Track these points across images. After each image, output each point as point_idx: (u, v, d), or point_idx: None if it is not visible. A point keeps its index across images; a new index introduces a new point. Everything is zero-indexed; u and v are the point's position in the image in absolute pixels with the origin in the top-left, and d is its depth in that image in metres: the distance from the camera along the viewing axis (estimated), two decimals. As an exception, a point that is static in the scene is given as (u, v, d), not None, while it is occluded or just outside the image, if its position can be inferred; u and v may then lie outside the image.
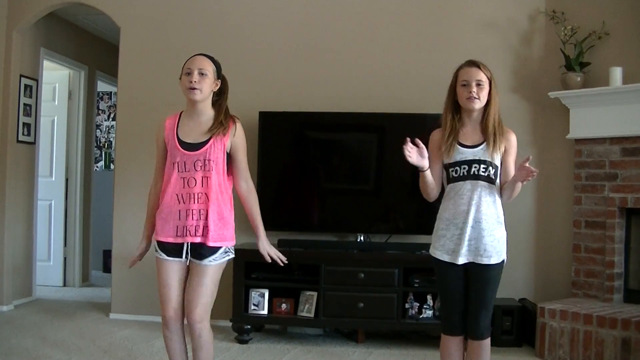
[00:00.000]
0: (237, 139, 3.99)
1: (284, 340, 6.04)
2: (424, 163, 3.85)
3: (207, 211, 3.89)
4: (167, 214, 3.94)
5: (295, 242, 6.07)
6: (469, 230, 3.79)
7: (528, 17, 6.27)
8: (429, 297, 5.81)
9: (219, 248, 3.94)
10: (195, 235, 3.90)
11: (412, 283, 5.79)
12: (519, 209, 6.08)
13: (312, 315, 5.88)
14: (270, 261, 4.12)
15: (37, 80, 7.54)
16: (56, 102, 8.57)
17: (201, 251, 3.91)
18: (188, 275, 4.00)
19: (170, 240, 3.93)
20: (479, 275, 3.82)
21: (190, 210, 3.90)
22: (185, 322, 4.00)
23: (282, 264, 4.16)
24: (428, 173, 3.88)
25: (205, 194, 3.90)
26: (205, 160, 3.90)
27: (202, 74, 3.90)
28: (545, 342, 5.45)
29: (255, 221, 4.08)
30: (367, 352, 5.73)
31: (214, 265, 3.94)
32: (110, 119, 10.67)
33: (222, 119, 3.99)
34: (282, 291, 6.00)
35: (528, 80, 6.28)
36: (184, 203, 3.91)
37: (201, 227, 3.90)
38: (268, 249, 4.11)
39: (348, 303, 5.81)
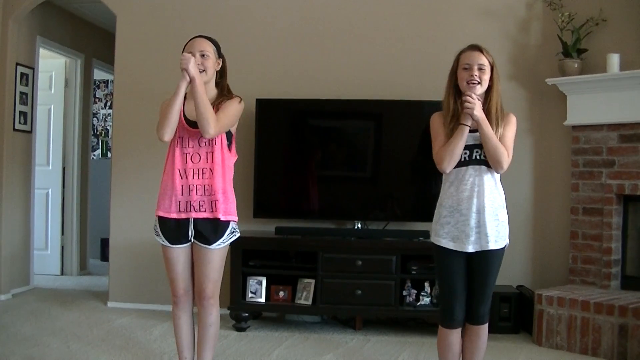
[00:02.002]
0: (230, 102, 4.01)
1: (282, 328, 6.04)
2: (482, 116, 3.75)
3: (212, 186, 3.95)
4: (170, 190, 3.99)
5: (292, 230, 6.07)
6: (475, 216, 3.79)
7: (525, 4, 6.26)
8: (426, 284, 5.82)
9: (225, 229, 4.00)
10: (200, 210, 3.96)
11: (409, 270, 5.79)
12: (517, 195, 6.08)
13: (309, 302, 5.88)
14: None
15: (33, 69, 7.52)
16: (52, 91, 8.55)
17: (207, 234, 3.97)
18: (193, 253, 4.07)
19: (174, 216, 3.98)
20: (483, 261, 3.82)
21: (194, 186, 3.95)
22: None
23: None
24: (467, 130, 3.78)
25: (210, 169, 3.95)
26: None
27: (204, 56, 3.95)
28: (542, 329, 5.46)
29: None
30: (365, 339, 5.73)
31: (221, 249, 4.03)
32: (107, 107, 10.65)
33: (226, 93, 4.06)
34: (280, 279, 6.00)
35: (525, 67, 6.27)
36: (187, 178, 3.97)
37: (207, 202, 3.96)
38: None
39: (346, 290, 5.81)
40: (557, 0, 5.97)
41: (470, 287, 3.88)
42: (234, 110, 4.03)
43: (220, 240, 3.98)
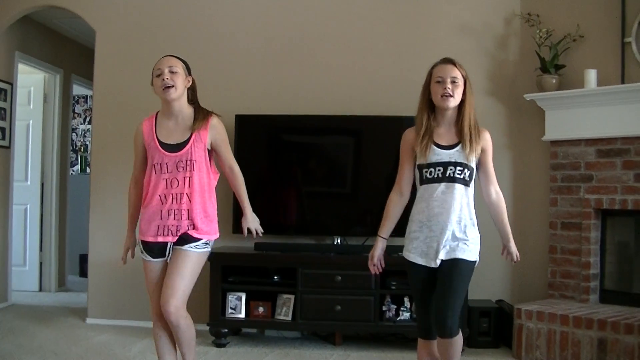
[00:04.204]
0: (216, 134, 4.03)
1: (262, 344, 6.03)
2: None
3: (189, 211, 3.96)
4: (151, 214, 4.01)
5: (272, 246, 6.07)
6: (443, 233, 3.75)
7: (503, 20, 6.30)
8: (406, 299, 5.83)
9: (200, 239, 4.00)
10: (177, 234, 3.96)
11: (389, 285, 5.80)
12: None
13: (289, 318, 5.87)
14: (246, 235, 4.21)
15: (11, 84, 7.49)
16: (31, 106, 8.50)
17: (184, 237, 3.96)
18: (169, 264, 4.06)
19: (150, 239, 3.99)
20: (447, 268, 3.75)
21: (172, 211, 3.96)
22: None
23: (256, 235, 4.25)
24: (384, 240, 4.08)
25: (187, 194, 3.96)
26: (187, 160, 3.95)
27: (173, 72, 3.96)
28: (522, 343, 5.47)
29: (241, 198, 4.21)
30: (345, 354, 5.72)
31: (195, 253, 4.00)
32: (86, 123, 10.61)
33: (201, 114, 4.06)
34: (259, 294, 5.99)
35: (504, 83, 6.31)
36: (166, 203, 3.97)
37: (184, 226, 3.96)
38: (249, 224, 4.19)
39: (325, 306, 5.81)
40: (535, 16, 6.02)
41: (435, 295, 3.78)
42: (226, 135, 4.14)
43: (195, 244, 3.98)
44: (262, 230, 4.26)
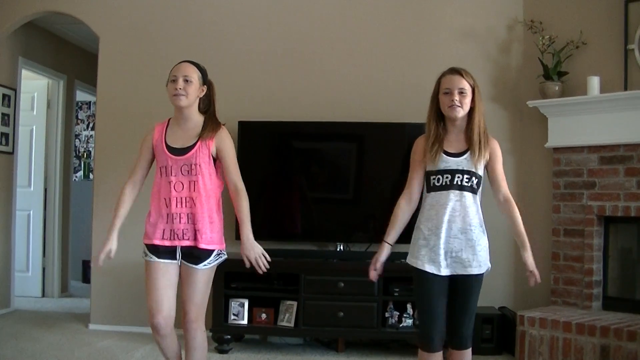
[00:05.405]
0: (222, 144, 4.02)
1: (264, 350, 6.02)
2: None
3: (195, 215, 3.93)
4: (156, 218, 3.99)
5: (274, 252, 6.00)
6: (453, 241, 3.75)
7: (506, 27, 6.31)
8: (408, 305, 5.82)
9: (212, 251, 3.99)
10: (184, 238, 3.94)
11: (392, 292, 5.80)
12: (498, 217, 6.04)
13: (292, 324, 5.86)
14: (248, 266, 4.03)
15: (15, 90, 7.50)
16: (35, 112, 8.51)
17: (194, 254, 3.95)
18: (179, 277, 4.03)
19: (157, 242, 3.97)
20: (464, 285, 3.77)
21: (178, 214, 3.94)
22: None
23: (260, 272, 4.04)
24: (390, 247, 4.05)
25: (192, 198, 3.94)
26: (191, 164, 3.94)
27: (187, 81, 3.96)
28: (525, 350, 5.46)
29: (241, 220, 4.05)
30: (348, 361, 5.73)
31: (208, 269, 4.00)
32: (89, 129, 10.63)
33: (211, 124, 4.04)
34: (262, 301, 5.99)
35: (506, 90, 6.31)
36: (170, 207, 3.95)
37: (190, 230, 3.94)
38: (247, 253, 4.01)
39: (328, 312, 5.80)
40: (537, 23, 6.02)
41: (450, 311, 3.82)
42: (233, 148, 4.09)
43: (207, 261, 3.97)
44: (267, 261, 4.07)
